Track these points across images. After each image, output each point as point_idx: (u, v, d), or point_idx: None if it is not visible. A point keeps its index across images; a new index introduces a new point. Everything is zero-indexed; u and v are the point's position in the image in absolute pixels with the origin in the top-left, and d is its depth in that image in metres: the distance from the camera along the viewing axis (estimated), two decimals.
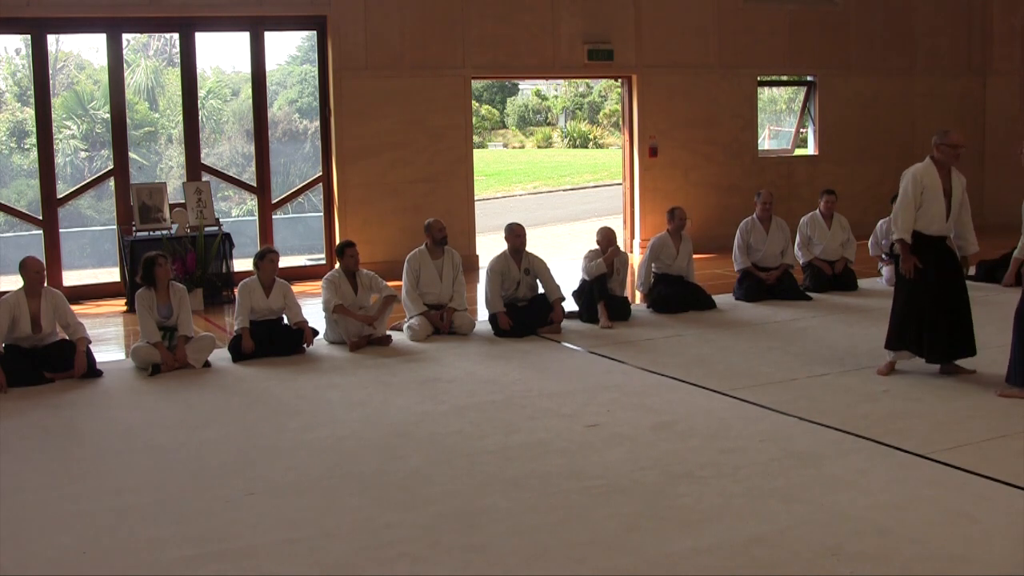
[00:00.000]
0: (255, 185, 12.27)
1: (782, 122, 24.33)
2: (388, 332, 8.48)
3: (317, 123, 12.84)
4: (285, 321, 8.24)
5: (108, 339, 9.16)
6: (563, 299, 8.85)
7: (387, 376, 7.34)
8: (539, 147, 38.12)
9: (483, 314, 9.00)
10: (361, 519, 4.61)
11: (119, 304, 10.72)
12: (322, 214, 12.66)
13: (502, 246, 9.02)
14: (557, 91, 40.53)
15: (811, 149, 15.36)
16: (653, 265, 9.67)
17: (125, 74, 12.06)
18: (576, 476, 5.08)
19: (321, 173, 12.51)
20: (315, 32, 12.34)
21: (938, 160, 6.72)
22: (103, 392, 7.18)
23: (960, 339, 6.71)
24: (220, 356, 7.97)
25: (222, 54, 33.39)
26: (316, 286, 9.60)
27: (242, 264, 11.16)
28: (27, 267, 7.43)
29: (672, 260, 9.60)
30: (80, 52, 22.39)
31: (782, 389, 6.63)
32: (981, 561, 4.01)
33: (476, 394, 6.76)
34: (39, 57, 11.18)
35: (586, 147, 37.27)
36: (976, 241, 6.90)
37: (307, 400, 6.76)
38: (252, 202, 13.01)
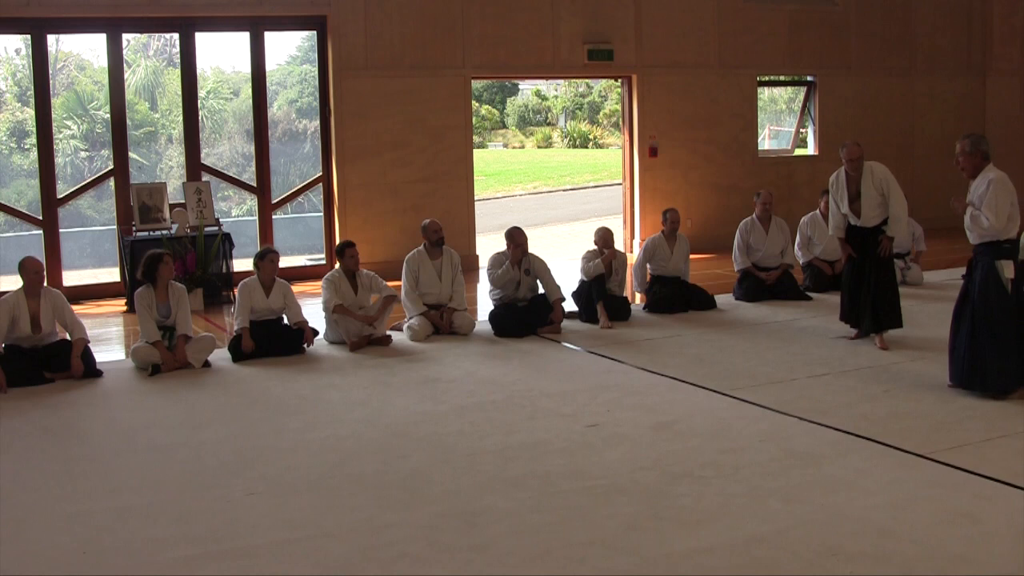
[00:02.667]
0: (255, 185, 12.27)
1: (782, 122, 24.33)
2: (388, 332, 8.49)
3: (317, 123, 12.84)
4: (285, 321, 8.24)
5: (108, 339, 9.16)
6: (563, 299, 8.84)
7: (387, 376, 7.34)
8: (539, 147, 38.09)
9: (483, 314, 9.01)
10: (361, 519, 4.61)
11: (119, 304, 10.72)
12: (322, 214, 12.66)
13: (502, 246, 9.01)
14: (557, 91, 40.51)
15: (811, 149, 15.36)
16: (649, 266, 9.68)
17: (125, 74, 12.06)
18: (576, 476, 5.08)
19: (321, 173, 12.51)
20: (315, 32, 12.34)
21: (847, 170, 7.83)
22: (103, 392, 7.18)
23: (884, 313, 7.69)
24: (220, 356, 7.97)
25: (222, 54, 33.32)
26: (316, 286, 9.60)
27: (242, 264, 11.17)
28: (26, 267, 7.43)
29: (667, 261, 9.61)
30: (80, 52, 22.37)
31: (782, 389, 6.63)
32: (981, 561, 4.01)
33: (476, 394, 6.76)
34: (39, 57, 11.18)
35: (586, 147, 37.24)
36: (899, 228, 7.71)
37: (307, 400, 6.76)
38: (252, 202, 13.01)
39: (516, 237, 8.82)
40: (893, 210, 7.62)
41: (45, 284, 7.62)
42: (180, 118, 12.19)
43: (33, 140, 12.02)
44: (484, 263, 9.70)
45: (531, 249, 9.04)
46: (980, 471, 4.95)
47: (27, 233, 12.53)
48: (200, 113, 12.65)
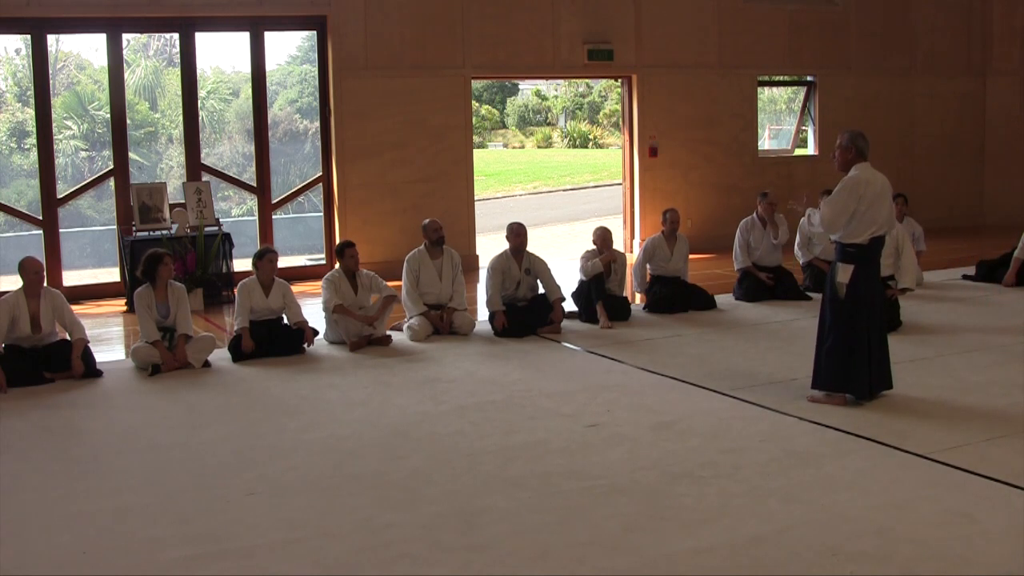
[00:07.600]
0: (255, 185, 12.26)
1: (782, 122, 24.34)
2: (388, 332, 8.48)
3: (317, 123, 12.84)
4: (285, 321, 8.24)
5: (108, 339, 9.15)
6: (563, 299, 8.84)
7: (387, 376, 7.33)
8: (539, 147, 38.10)
9: (483, 314, 9.00)
10: (361, 519, 4.61)
11: (119, 304, 10.72)
12: (322, 214, 12.66)
13: (502, 246, 9.02)
14: (557, 91, 40.53)
15: (811, 149, 15.36)
16: (648, 266, 9.68)
17: (125, 74, 12.06)
18: (576, 476, 5.08)
19: (321, 173, 12.51)
20: (315, 32, 12.34)
21: None
22: (103, 392, 7.17)
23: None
24: (220, 356, 7.97)
25: (222, 54, 33.34)
26: (316, 286, 9.60)
27: (242, 264, 11.16)
28: (26, 268, 7.42)
29: (666, 261, 9.61)
30: (80, 52, 22.36)
31: (782, 389, 6.63)
32: (981, 561, 4.01)
33: (476, 394, 6.75)
34: (39, 57, 11.17)
35: (586, 147, 37.25)
36: (909, 279, 9.06)
37: (307, 400, 6.76)
38: (252, 202, 13.01)
39: (516, 229, 8.89)
40: (904, 262, 8.92)
41: (45, 284, 7.61)
42: (180, 118, 12.19)
43: (33, 140, 12.02)
44: (484, 263, 9.68)
45: (531, 249, 9.03)
46: (980, 471, 4.95)
47: (27, 233, 12.53)
48: (200, 113, 12.65)
